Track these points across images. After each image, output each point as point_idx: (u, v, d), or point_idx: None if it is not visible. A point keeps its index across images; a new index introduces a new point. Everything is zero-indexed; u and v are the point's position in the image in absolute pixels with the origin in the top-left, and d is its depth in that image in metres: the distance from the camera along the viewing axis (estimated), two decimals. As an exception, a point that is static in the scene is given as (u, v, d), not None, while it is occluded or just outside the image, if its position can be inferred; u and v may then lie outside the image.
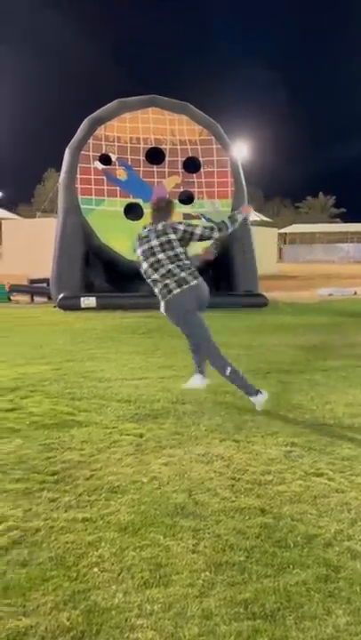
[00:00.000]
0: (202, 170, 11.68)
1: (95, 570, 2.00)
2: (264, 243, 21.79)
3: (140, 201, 11.41)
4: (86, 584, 1.92)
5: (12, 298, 12.48)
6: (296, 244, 51.06)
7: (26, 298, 12.66)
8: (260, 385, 4.09)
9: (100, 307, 10.05)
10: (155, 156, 11.83)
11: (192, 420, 3.70)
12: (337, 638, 1.67)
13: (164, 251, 3.93)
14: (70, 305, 10.25)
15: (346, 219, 60.66)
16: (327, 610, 1.79)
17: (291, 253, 46.33)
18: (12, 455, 3.09)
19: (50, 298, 11.65)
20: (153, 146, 11.61)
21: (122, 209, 11.31)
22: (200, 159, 11.68)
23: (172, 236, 3.97)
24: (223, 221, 4.03)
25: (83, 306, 10.18)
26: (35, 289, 12.99)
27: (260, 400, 3.88)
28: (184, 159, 11.67)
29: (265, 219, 42.62)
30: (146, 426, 3.60)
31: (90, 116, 11.41)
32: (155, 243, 3.94)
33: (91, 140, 11.19)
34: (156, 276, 3.96)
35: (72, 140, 11.33)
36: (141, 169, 11.54)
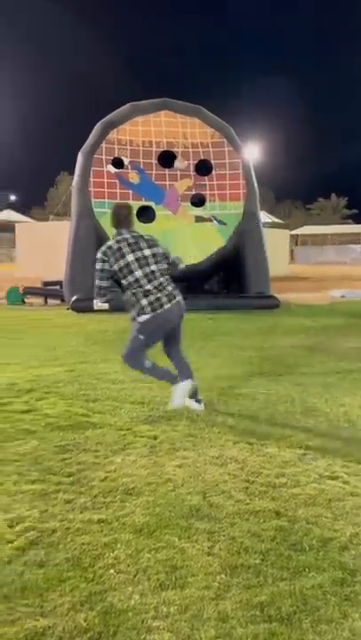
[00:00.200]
0: (213, 172, 11.69)
1: (111, 571, 2.02)
2: (276, 244, 21.75)
3: (152, 204, 11.46)
4: (103, 585, 1.93)
5: (25, 300, 12.58)
6: (307, 246, 50.85)
7: (39, 300, 12.76)
8: (272, 387, 4.09)
9: (113, 309, 10.07)
10: (167, 159, 11.87)
11: (205, 422, 3.71)
12: (354, 642, 1.66)
13: (156, 262, 3.90)
14: (83, 307, 10.31)
15: (358, 220, 60.34)
16: (343, 613, 1.78)
17: (302, 255, 46.14)
18: (28, 456, 3.12)
19: (63, 300, 11.74)
20: (165, 149, 11.65)
21: (134, 212, 11.35)
22: (212, 162, 11.69)
23: (161, 250, 3.97)
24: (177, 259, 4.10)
25: (95, 308, 10.21)
26: (48, 291, 13.07)
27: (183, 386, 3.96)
28: (196, 162, 11.69)
29: (277, 220, 42.52)
30: (159, 428, 3.61)
31: (102, 120, 11.48)
32: (148, 253, 3.89)
33: (103, 144, 11.25)
34: (149, 287, 3.85)
35: (85, 144, 11.40)
36: (153, 172, 11.58)
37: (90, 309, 10.67)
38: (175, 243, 11.45)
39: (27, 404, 4.17)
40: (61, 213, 29.77)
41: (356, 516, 2.43)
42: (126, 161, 11.42)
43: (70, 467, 2.97)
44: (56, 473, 2.89)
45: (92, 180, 11.16)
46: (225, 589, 1.91)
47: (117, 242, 3.89)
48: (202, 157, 11.68)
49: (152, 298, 3.84)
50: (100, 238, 11.08)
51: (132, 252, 3.85)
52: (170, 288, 3.93)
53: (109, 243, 3.94)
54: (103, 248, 3.92)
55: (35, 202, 59.60)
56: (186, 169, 11.67)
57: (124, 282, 3.89)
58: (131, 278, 3.84)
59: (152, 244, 3.96)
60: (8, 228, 38.15)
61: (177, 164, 11.72)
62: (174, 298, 3.92)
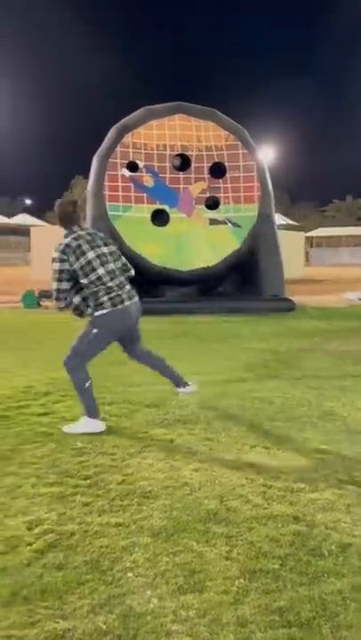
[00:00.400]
0: (228, 175, 11.69)
1: (130, 575, 2.02)
2: (291, 247, 21.64)
3: (166, 207, 11.50)
4: (121, 588, 1.94)
5: (41, 303, 12.69)
6: (322, 248, 50.54)
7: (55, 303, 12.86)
8: (289, 391, 4.06)
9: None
10: (181, 162, 11.92)
11: (222, 426, 3.70)
12: (375, 649, 1.65)
13: (114, 261, 3.76)
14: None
15: (374, 222, 59.77)
16: (364, 620, 1.77)
17: (317, 257, 45.89)
18: (45, 459, 3.15)
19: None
20: (179, 152, 11.68)
21: (149, 215, 11.40)
22: (226, 164, 11.69)
23: (114, 249, 3.84)
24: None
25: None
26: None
27: (89, 424, 3.66)
28: (210, 165, 11.70)
29: (292, 222, 42.33)
30: (176, 431, 3.61)
31: (117, 124, 11.56)
32: (105, 250, 3.73)
33: (118, 148, 11.32)
34: (111, 284, 3.68)
35: (100, 148, 11.48)
36: (168, 175, 11.62)
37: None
38: (189, 245, 11.49)
39: (44, 406, 4.21)
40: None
41: (375, 521, 2.41)
42: (141, 164, 11.48)
43: (87, 469, 2.99)
44: (73, 476, 2.91)
45: (106, 183, 11.22)
46: (244, 594, 1.90)
47: (75, 239, 3.62)
48: (216, 160, 11.69)
49: (113, 294, 3.66)
50: (114, 241, 11.18)
51: (92, 248, 3.63)
52: (128, 287, 3.80)
53: (66, 240, 3.63)
54: (60, 247, 3.60)
55: (49, 206, 59.05)
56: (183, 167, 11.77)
57: (84, 280, 3.62)
58: (93, 276, 3.60)
59: (107, 241, 3.81)
60: (23, 231, 38.60)
61: (175, 162, 11.80)
62: (133, 297, 3.79)
